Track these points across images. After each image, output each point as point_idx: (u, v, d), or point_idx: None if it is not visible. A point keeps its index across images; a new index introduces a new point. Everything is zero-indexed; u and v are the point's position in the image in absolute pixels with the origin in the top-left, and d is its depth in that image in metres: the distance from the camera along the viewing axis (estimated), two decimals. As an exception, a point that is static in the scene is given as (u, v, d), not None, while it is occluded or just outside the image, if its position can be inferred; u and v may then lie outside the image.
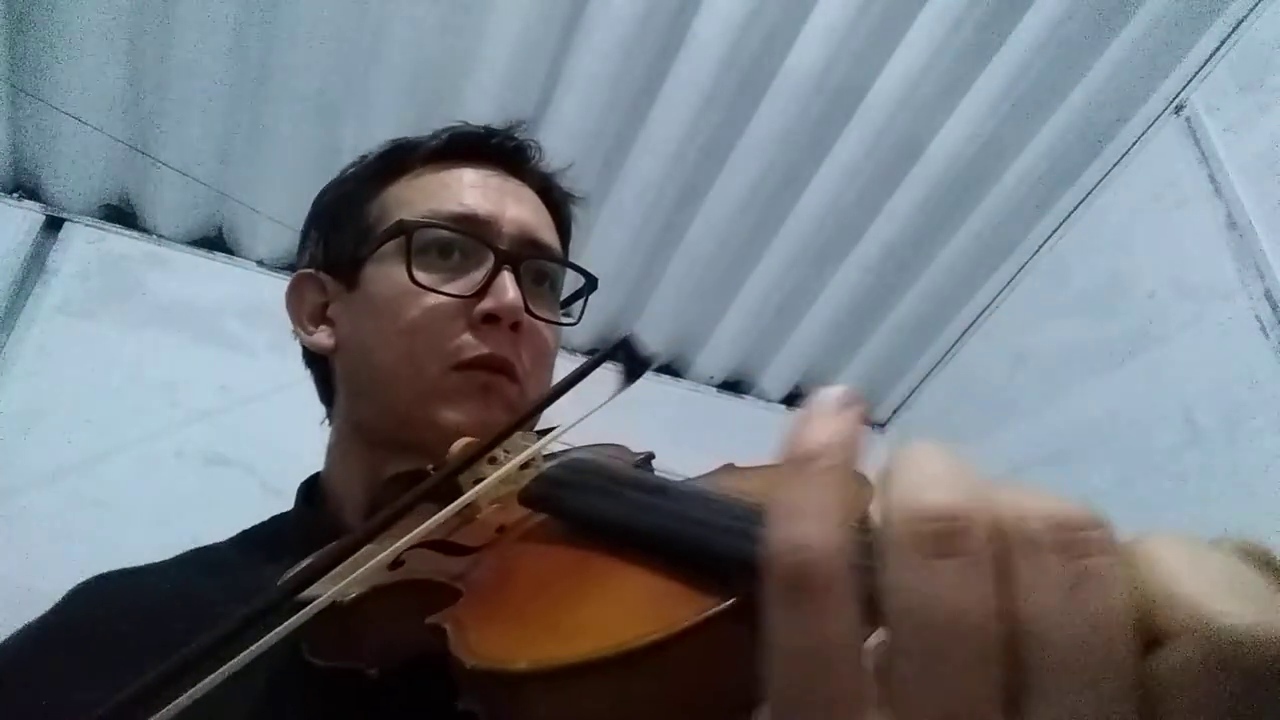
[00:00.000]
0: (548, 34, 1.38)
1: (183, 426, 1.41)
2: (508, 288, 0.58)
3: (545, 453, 0.47)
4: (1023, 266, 1.74)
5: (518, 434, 0.50)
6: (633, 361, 0.48)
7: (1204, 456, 1.22)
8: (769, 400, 1.95)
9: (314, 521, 0.62)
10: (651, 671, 0.27)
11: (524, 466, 0.45)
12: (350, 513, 0.62)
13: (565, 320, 0.67)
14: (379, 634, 0.41)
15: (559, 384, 0.47)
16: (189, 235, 1.56)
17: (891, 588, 0.18)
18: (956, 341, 1.87)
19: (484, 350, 0.58)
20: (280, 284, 1.71)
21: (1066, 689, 0.17)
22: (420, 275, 0.58)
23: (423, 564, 0.42)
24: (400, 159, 0.66)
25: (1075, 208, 1.65)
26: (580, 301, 0.70)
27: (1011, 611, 0.17)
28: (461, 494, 0.43)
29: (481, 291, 0.58)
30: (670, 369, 1.90)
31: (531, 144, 0.69)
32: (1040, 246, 1.71)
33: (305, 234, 0.71)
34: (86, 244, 1.49)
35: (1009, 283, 1.77)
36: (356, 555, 0.37)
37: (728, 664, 0.27)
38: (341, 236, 0.65)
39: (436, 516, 0.38)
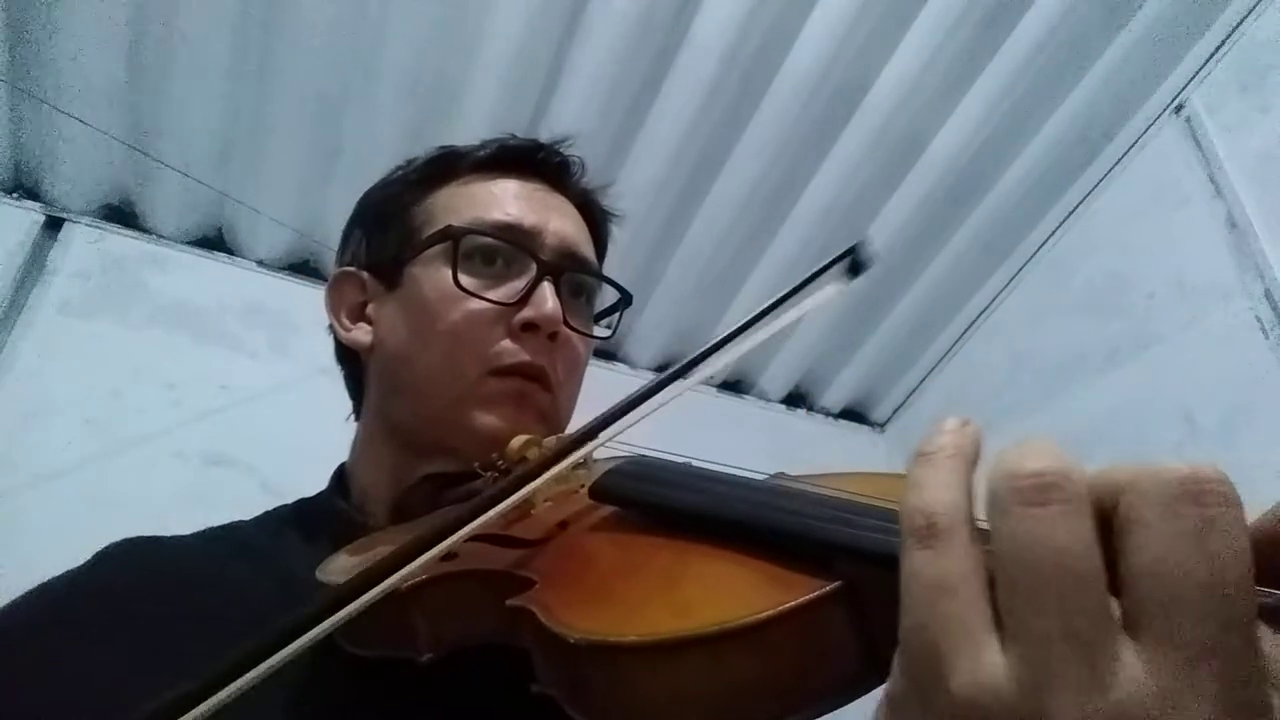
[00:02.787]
0: (548, 34, 1.38)
1: (183, 426, 1.40)
2: (548, 298, 0.60)
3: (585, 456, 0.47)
4: (1023, 266, 1.74)
5: (563, 436, 0.52)
6: (857, 264, 0.48)
7: (1204, 456, 1.21)
8: (769, 400, 1.95)
9: (342, 511, 0.63)
10: (758, 648, 0.27)
11: (577, 466, 0.46)
12: (374, 508, 0.62)
13: (599, 334, 0.69)
14: (436, 621, 0.41)
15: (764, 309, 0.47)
16: (189, 235, 1.56)
17: (1002, 534, 0.21)
18: (956, 341, 1.87)
19: (522, 358, 0.59)
20: (280, 284, 1.71)
21: (1186, 620, 0.19)
22: (464, 280, 0.60)
23: (479, 556, 0.42)
24: (448, 166, 0.68)
25: (1075, 208, 1.65)
26: (614, 316, 0.72)
27: (1124, 552, 0.20)
28: (517, 489, 0.43)
29: (522, 300, 0.60)
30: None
31: (575, 160, 0.71)
32: (1040, 246, 1.71)
33: (348, 233, 0.72)
34: (86, 244, 1.49)
35: (1009, 283, 1.77)
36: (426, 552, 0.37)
37: (825, 645, 0.28)
38: (386, 238, 0.67)
39: (501, 505, 0.38)
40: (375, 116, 1.42)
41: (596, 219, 0.72)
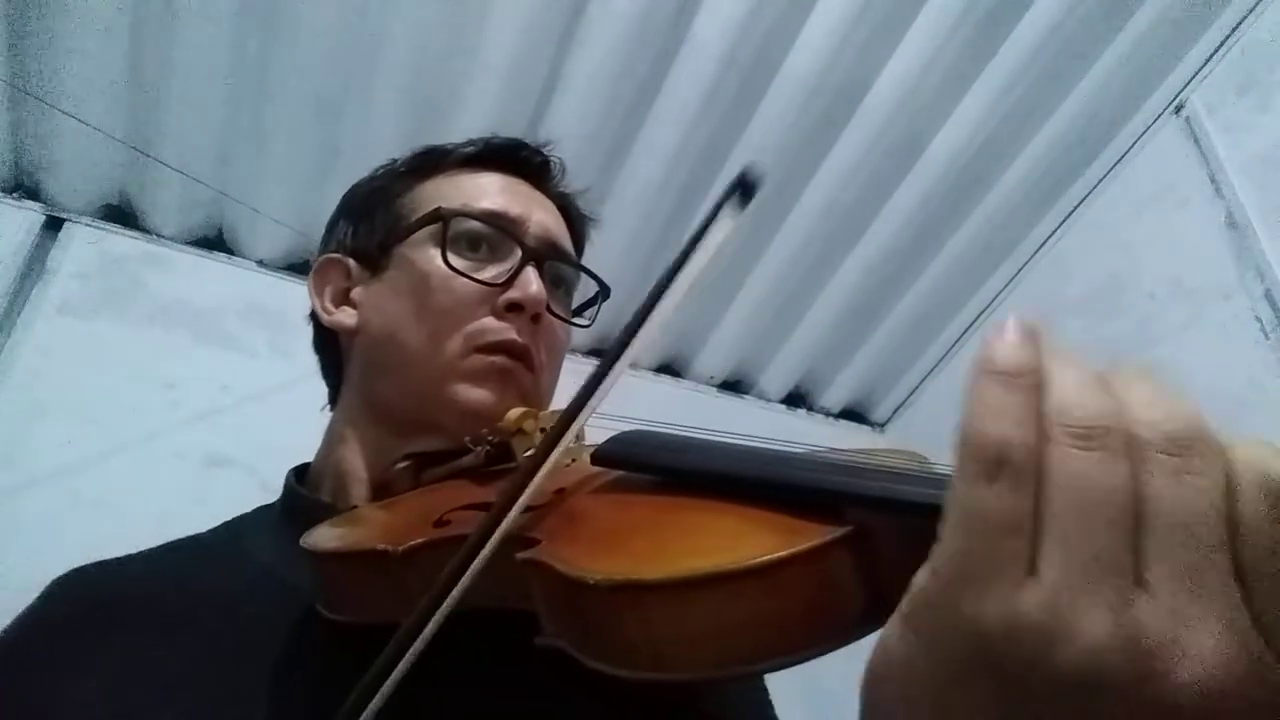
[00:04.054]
0: (548, 34, 1.38)
1: (183, 426, 1.40)
2: (532, 281, 0.62)
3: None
4: (1023, 266, 1.74)
5: (549, 411, 0.54)
6: (745, 190, 0.48)
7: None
8: (769, 400, 1.95)
9: (309, 501, 0.63)
10: (773, 588, 0.28)
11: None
12: (354, 491, 0.62)
13: (579, 322, 0.71)
14: (429, 586, 0.40)
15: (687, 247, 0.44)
16: (189, 235, 1.56)
17: (1057, 471, 0.23)
18: (956, 341, 1.87)
19: (508, 335, 0.61)
20: (280, 284, 1.70)
21: (1177, 543, 0.22)
22: (452, 260, 0.62)
23: (474, 521, 0.41)
24: (434, 160, 0.70)
25: (1075, 208, 1.65)
26: (593, 307, 0.74)
27: (1141, 490, 0.23)
28: (513, 462, 0.46)
29: (508, 282, 0.62)
30: (670, 369, 1.90)
31: (557, 161, 0.73)
32: (1040, 246, 1.71)
33: (333, 223, 0.74)
34: (86, 244, 1.48)
35: (1009, 283, 1.77)
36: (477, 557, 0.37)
37: (836, 588, 0.29)
38: (372, 225, 0.68)
39: (542, 472, 0.38)
40: (375, 117, 1.42)
41: (574, 219, 0.74)
